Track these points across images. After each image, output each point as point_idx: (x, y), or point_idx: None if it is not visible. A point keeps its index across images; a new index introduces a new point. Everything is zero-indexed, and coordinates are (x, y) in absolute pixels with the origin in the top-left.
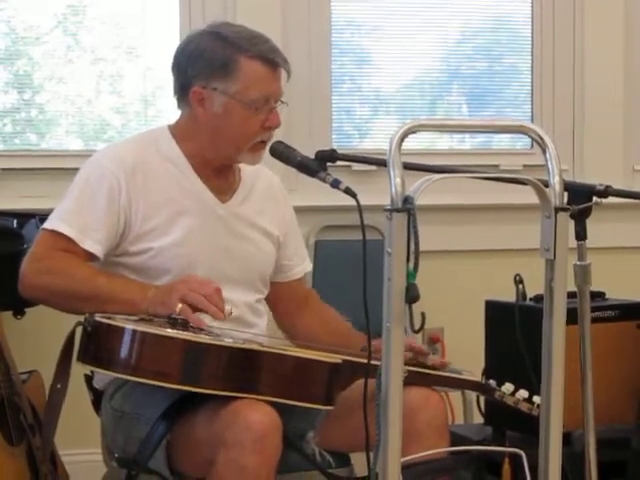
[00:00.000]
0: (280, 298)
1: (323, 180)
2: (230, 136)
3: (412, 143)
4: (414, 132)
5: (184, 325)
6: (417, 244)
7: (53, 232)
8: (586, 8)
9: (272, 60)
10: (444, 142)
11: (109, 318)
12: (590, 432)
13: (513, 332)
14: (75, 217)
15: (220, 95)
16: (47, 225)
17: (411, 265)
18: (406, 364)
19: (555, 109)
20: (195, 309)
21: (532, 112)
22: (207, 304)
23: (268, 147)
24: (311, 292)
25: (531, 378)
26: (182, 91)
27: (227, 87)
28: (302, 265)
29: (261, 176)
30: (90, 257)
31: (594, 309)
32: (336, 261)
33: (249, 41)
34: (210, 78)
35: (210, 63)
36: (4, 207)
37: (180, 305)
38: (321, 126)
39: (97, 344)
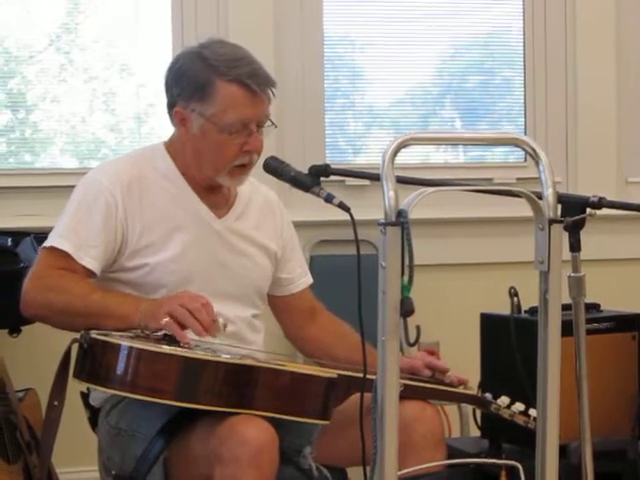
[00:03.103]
0: (284, 311)
1: (317, 195)
2: (207, 158)
3: (407, 157)
4: (407, 146)
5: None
6: (411, 257)
7: (52, 249)
8: (578, 21)
9: (248, 85)
10: (439, 156)
11: (105, 335)
12: (586, 444)
13: (508, 345)
14: (72, 234)
15: (198, 117)
16: (46, 243)
17: (406, 279)
18: (424, 382)
19: (548, 122)
20: (181, 323)
21: (525, 125)
22: (191, 320)
23: (250, 170)
24: (318, 305)
25: (527, 391)
26: (169, 109)
27: (204, 109)
28: (303, 278)
29: (258, 192)
30: (88, 273)
31: (589, 321)
32: (331, 276)
33: (229, 64)
34: (190, 99)
35: (190, 84)
36: None
37: (166, 319)
38: (314, 141)
39: (93, 361)
